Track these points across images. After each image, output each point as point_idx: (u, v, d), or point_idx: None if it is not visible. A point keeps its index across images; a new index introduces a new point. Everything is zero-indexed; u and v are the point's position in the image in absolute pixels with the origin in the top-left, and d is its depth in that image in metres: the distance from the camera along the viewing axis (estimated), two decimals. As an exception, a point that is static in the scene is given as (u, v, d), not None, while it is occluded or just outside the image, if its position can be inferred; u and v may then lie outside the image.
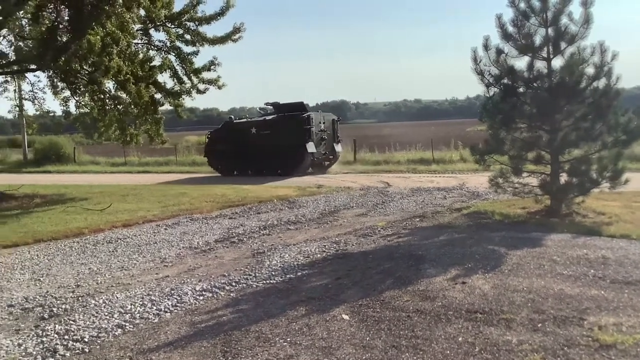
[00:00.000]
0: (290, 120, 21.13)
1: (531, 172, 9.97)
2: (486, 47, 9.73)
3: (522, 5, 9.52)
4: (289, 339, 4.64)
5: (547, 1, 9.35)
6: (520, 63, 9.63)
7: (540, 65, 9.57)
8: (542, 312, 4.92)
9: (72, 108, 17.75)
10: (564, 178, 9.58)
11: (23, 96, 19.20)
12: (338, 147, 23.15)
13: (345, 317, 5.10)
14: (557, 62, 9.43)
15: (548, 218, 9.35)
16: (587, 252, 6.98)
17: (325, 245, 8.28)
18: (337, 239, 8.77)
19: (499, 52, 9.66)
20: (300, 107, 21.92)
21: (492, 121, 10.00)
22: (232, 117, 24.23)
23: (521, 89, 9.89)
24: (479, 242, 7.81)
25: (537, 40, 9.51)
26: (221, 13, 18.13)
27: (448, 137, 28.36)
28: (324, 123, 22.10)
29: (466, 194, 13.73)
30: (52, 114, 19.24)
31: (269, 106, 23.35)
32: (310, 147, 20.75)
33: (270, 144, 20.93)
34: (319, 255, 7.68)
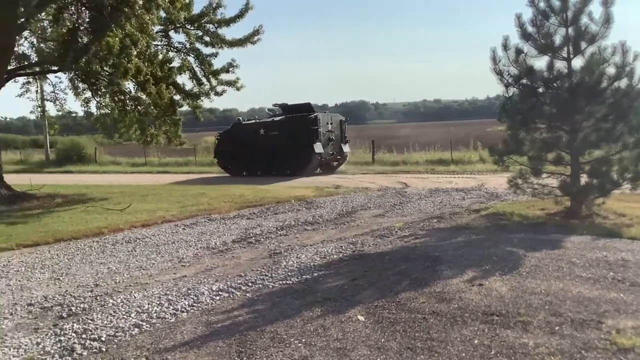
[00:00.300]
0: (297, 121, 21.38)
1: (551, 173, 9.86)
2: (505, 46, 9.65)
3: (542, 4, 9.42)
4: (303, 340, 4.64)
5: (567, 0, 9.24)
6: (540, 63, 9.55)
7: (560, 65, 9.46)
8: (560, 315, 4.86)
9: (93, 109, 17.99)
10: (584, 179, 9.46)
11: (45, 97, 19.46)
12: (346, 148, 23.31)
13: (361, 318, 5.09)
14: (578, 62, 9.33)
15: (568, 219, 9.24)
16: (606, 254, 6.89)
17: (342, 246, 8.27)
18: (354, 239, 8.76)
19: (519, 51, 9.57)
20: (308, 107, 22.18)
21: (511, 121, 9.92)
22: (241, 118, 24.50)
23: (541, 89, 9.79)
24: (497, 244, 7.75)
25: (557, 39, 9.40)
26: (240, 15, 18.23)
27: (467, 137, 28.19)
28: (331, 124, 22.28)
29: (485, 194, 13.63)
30: (73, 115, 19.49)
31: (277, 107, 23.55)
32: (318, 148, 20.92)
33: (278, 145, 21.21)
34: (335, 256, 7.68)
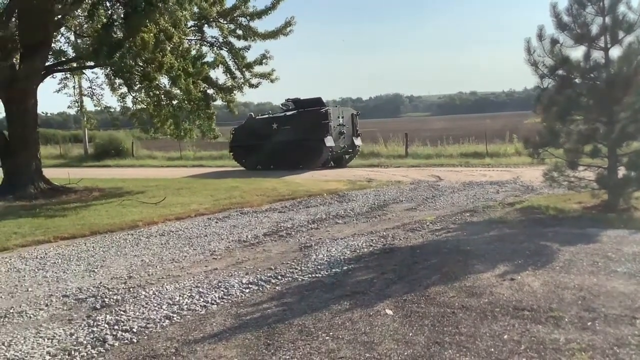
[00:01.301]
0: (308, 115, 21.73)
1: (587, 166, 9.65)
2: (540, 37, 9.46)
3: (578, -7, 9.21)
4: (331, 333, 4.65)
5: (604, -12, 9.02)
6: (576, 53, 9.35)
7: (597, 55, 9.24)
8: (593, 310, 4.76)
9: (129, 104, 18.26)
10: (621, 172, 9.23)
11: (82, 92, 19.82)
12: (357, 141, 23.47)
13: (389, 312, 5.07)
14: (615, 52, 9.11)
15: (605, 213, 9.02)
16: (644, 249, 6.72)
17: (372, 240, 8.24)
18: (384, 233, 8.72)
19: (554, 42, 9.38)
20: (319, 102, 22.49)
21: (546, 113, 9.73)
22: (252, 113, 24.89)
23: (577, 80, 9.58)
24: (530, 238, 7.62)
25: (594, 29, 9.18)
26: (272, 7, 18.24)
27: (503, 130, 27.70)
28: (342, 117, 22.47)
29: (520, 188, 13.42)
30: (111, 110, 19.81)
31: (290, 102, 23.76)
32: (329, 141, 21.17)
33: (290, 139, 21.54)
34: (365, 250, 7.66)
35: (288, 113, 22.88)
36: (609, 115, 9.16)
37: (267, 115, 24.21)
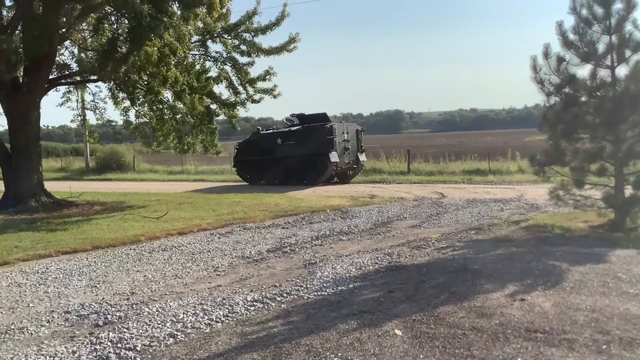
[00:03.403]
0: (313, 130, 21.75)
1: (594, 185, 9.58)
2: (546, 55, 9.44)
3: (584, 12, 9.20)
4: (339, 354, 4.54)
5: (610, 8, 9.00)
6: (582, 71, 9.31)
7: (603, 73, 9.20)
8: (607, 333, 4.67)
9: (132, 118, 18.26)
10: (628, 191, 9.16)
11: (85, 106, 19.82)
12: (362, 157, 23.52)
13: (398, 332, 4.97)
14: (622, 71, 9.07)
15: (612, 232, 8.94)
16: (654, 269, 6.63)
17: (377, 257, 8.15)
18: (389, 250, 8.63)
19: (560, 60, 9.35)
20: (324, 117, 22.51)
21: (552, 131, 9.68)
22: (259, 128, 24.86)
23: (583, 98, 9.54)
24: (538, 257, 7.53)
25: (600, 47, 9.15)
26: (276, 23, 18.32)
27: (505, 147, 27.72)
28: (347, 133, 22.44)
29: (524, 206, 13.34)
30: (113, 124, 19.80)
31: (294, 117, 23.75)
32: (334, 157, 21.10)
33: (295, 154, 21.62)
34: (371, 267, 7.56)
35: (293, 128, 22.86)
36: (616, 134, 9.11)
37: (271, 130, 24.16)
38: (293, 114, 23.93)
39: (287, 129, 23.13)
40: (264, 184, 22.69)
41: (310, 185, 21.05)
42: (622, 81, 9.00)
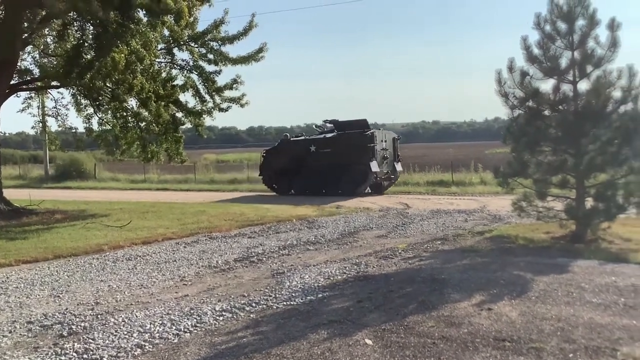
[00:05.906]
0: (353, 137, 20.32)
1: (556, 196, 9.79)
2: (511, 69, 9.66)
3: (548, 27, 9.46)
4: (311, 364, 4.53)
5: (574, 24, 9.28)
6: (546, 86, 9.57)
7: (566, 88, 9.48)
8: (573, 342, 4.76)
9: (95, 125, 17.95)
10: (589, 203, 9.40)
11: (46, 112, 19.40)
12: (399, 167, 22.35)
13: (369, 342, 4.98)
14: (583, 85, 9.35)
15: (573, 244, 9.15)
16: (615, 279, 6.81)
17: (345, 267, 8.17)
18: (357, 260, 8.66)
19: (524, 74, 9.58)
20: (364, 124, 21.15)
21: (516, 144, 9.88)
22: (287, 134, 23.52)
23: (546, 112, 9.77)
24: (503, 267, 7.65)
25: (563, 63, 9.43)
26: (244, 33, 18.26)
27: (467, 159, 28.11)
28: (385, 141, 21.24)
29: (487, 217, 13.55)
30: (74, 131, 19.42)
31: (328, 124, 22.57)
32: (374, 166, 19.84)
33: (330, 163, 20.30)
34: (339, 277, 7.57)
35: (328, 135, 21.42)
36: (577, 147, 9.35)
37: (303, 137, 22.74)
38: (326, 120, 22.70)
39: (321, 136, 21.71)
40: (293, 194, 21.45)
41: (348, 196, 19.80)
42: (583, 96, 9.26)
